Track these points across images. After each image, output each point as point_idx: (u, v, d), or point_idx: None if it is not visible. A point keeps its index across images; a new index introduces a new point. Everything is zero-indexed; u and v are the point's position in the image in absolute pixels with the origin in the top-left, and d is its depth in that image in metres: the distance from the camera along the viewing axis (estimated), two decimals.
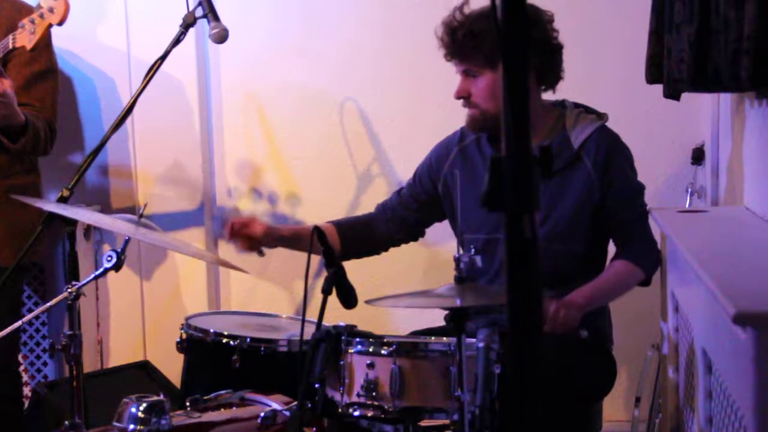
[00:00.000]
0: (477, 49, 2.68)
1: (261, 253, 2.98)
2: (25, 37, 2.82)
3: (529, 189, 1.20)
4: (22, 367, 3.60)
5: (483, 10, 2.71)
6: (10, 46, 2.84)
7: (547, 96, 2.84)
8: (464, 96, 2.77)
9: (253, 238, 2.91)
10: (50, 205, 2.69)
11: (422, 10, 3.38)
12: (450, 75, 2.83)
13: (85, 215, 2.70)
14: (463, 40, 2.70)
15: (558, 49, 2.76)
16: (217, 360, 2.70)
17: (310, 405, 2.28)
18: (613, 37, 3.44)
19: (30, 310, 3.46)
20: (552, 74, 2.76)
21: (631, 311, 3.11)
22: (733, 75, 2.24)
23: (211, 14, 2.92)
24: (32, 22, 2.81)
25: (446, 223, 3.00)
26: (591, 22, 3.40)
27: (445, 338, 2.35)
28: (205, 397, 2.55)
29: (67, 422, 2.37)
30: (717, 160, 3.26)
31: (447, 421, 2.32)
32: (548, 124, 2.82)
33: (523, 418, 1.22)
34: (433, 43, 2.78)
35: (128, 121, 3.02)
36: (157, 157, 3.70)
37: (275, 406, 2.49)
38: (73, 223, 2.64)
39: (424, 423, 2.40)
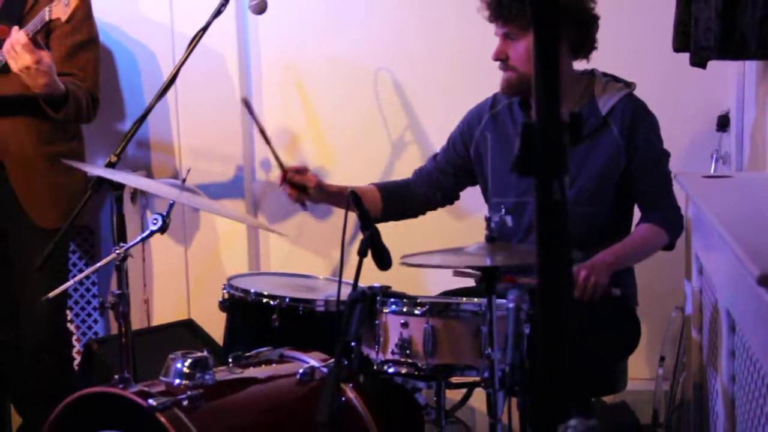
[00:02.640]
0: (521, 13, 2.66)
1: (304, 206, 2.94)
2: (60, 9, 2.81)
3: (558, 154, 1.18)
4: (73, 325, 3.64)
5: None
6: (47, 18, 2.84)
7: (581, 65, 2.82)
8: (502, 58, 2.75)
9: (304, 188, 2.89)
10: (99, 170, 2.70)
11: None
12: (479, 47, 2.81)
13: (132, 180, 2.70)
14: (509, 4, 2.68)
15: (594, 20, 2.74)
16: (258, 319, 2.71)
17: (346, 362, 2.29)
18: (639, 6, 3.38)
19: (80, 271, 3.49)
20: (587, 44, 2.74)
21: (655, 273, 3.08)
22: (760, 42, 2.20)
23: None
24: None
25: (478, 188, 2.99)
26: None
27: (476, 299, 2.34)
28: (247, 354, 2.56)
29: (116, 376, 2.38)
30: (742, 127, 3.20)
31: (478, 378, 2.32)
32: (577, 92, 2.80)
33: (551, 376, 1.21)
34: (464, 16, 2.76)
35: (170, 93, 3.00)
36: (198, 128, 3.68)
37: (313, 362, 2.50)
38: (120, 187, 2.64)
39: (456, 380, 2.41)
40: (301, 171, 2.91)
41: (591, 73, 2.84)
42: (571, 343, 1.20)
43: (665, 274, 3.14)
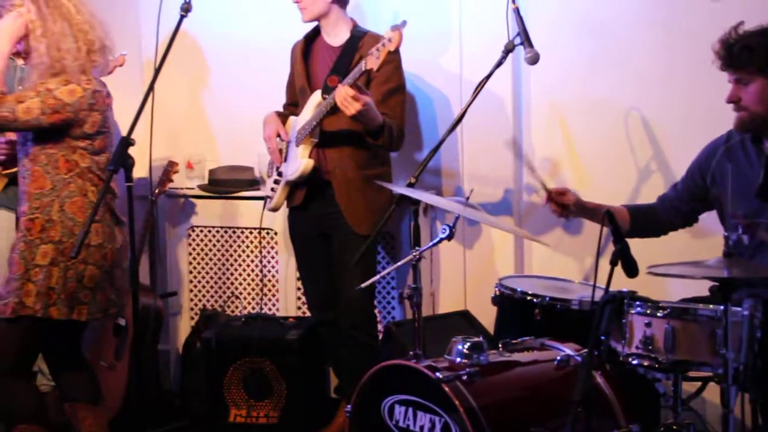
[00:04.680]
0: (751, 60, 2.53)
1: (567, 218, 2.99)
2: (372, 61, 2.92)
3: None
4: (377, 310, 3.77)
5: (755, 28, 2.57)
6: (363, 68, 2.96)
7: None
8: (735, 101, 2.62)
9: (565, 205, 2.91)
10: (402, 189, 2.79)
11: (696, 38, 3.17)
12: (714, 90, 2.69)
13: (426, 197, 2.77)
14: (739, 53, 2.56)
15: None
16: (523, 313, 2.70)
17: (597, 353, 2.24)
18: None
19: (384, 268, 3.61)
20: None
21: None
22: None
23: (527, 42, 2.88)
24: (377, 50, 2.91)
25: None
26: None
27: (711, 305, 2.23)
28: (513, 341, 2.56)
29: (410, 352, 2.46)
30: None
31: (711, 374, 2.22)
32: None
33: None
34: (704, 62, 2.64)
35: (457, 128, 3.05)
36: (478, 158, 3.70)
37: (569, 351, 2.46)
38: (417, 202, 2.72)
39: (692, 374, 2.32)
40: (563, 192, 2.92)
41: None
42: None
43: None
